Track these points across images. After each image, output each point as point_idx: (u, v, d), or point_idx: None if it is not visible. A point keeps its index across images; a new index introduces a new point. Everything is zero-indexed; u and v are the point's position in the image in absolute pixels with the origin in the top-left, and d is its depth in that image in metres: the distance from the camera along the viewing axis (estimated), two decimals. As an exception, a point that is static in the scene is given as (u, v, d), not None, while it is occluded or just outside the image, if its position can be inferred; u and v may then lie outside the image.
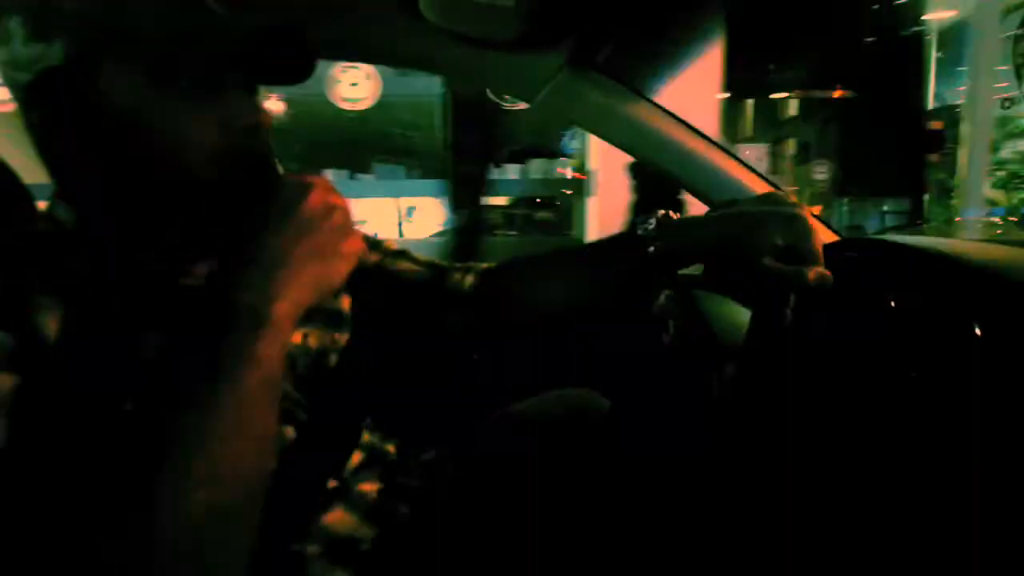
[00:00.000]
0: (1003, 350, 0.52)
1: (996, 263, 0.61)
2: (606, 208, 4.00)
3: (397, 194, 6.82)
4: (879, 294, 0.66)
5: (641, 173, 3.10)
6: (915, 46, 6.76)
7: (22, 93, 0.42)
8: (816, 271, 0.57)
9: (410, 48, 0.96)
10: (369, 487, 0.61)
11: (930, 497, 0.58)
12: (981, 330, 0.53)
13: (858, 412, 0.69)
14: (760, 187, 1.01)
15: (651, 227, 0.62)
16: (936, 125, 6.50)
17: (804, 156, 7.09)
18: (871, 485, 0.68)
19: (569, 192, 5.75)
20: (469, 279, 0.73)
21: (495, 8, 0.83)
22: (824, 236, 0.94)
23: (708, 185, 1.00)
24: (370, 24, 0.92)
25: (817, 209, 5.56)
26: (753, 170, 1.02)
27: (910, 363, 0.61)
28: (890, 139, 6.63)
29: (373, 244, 0.74)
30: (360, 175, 6.90)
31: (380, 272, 0.72)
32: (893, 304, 0.64)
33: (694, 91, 3.09)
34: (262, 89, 0.49)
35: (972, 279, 0.61)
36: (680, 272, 0.80)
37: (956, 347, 0.55)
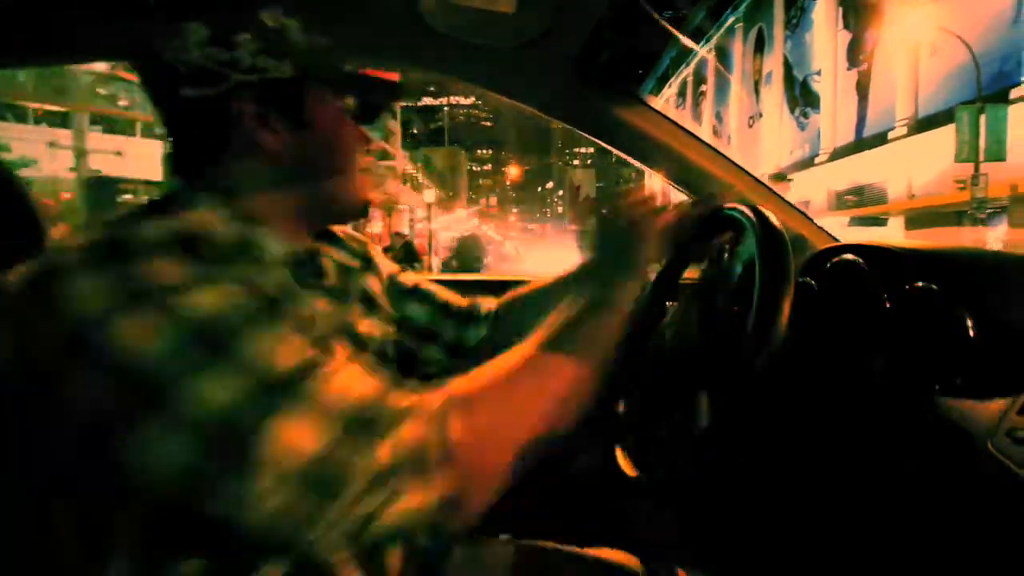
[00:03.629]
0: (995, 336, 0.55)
1: (984, 260, 0.66)
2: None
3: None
4: (873, 293, 0.68)
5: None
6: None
7: (234, 89, 0.49)
8: (703, 200, 0.71)
9: (409, 49, 0.96)
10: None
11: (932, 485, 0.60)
12: (971, 323, 0.56)
13: (855, 406, 0.71)
14: (754, 189, 1.01)
15: None
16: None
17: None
18: (868, 474, 0.69)
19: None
20: (489, 305, 0.77)
21: (496, 14, 0.83)
22: (823, 241, 0.98)
23: (705, 188, 1.00)
24: (370, 25, 0.91)
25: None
26: (747, 173, 1.01)
27: (905, 359, 0.63)
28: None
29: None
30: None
31: (420, 292, 0.75)
32: (888, 304, 0.66)
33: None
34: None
35: (962, 276, 0.64)
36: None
37: (948, 340, 0.58)
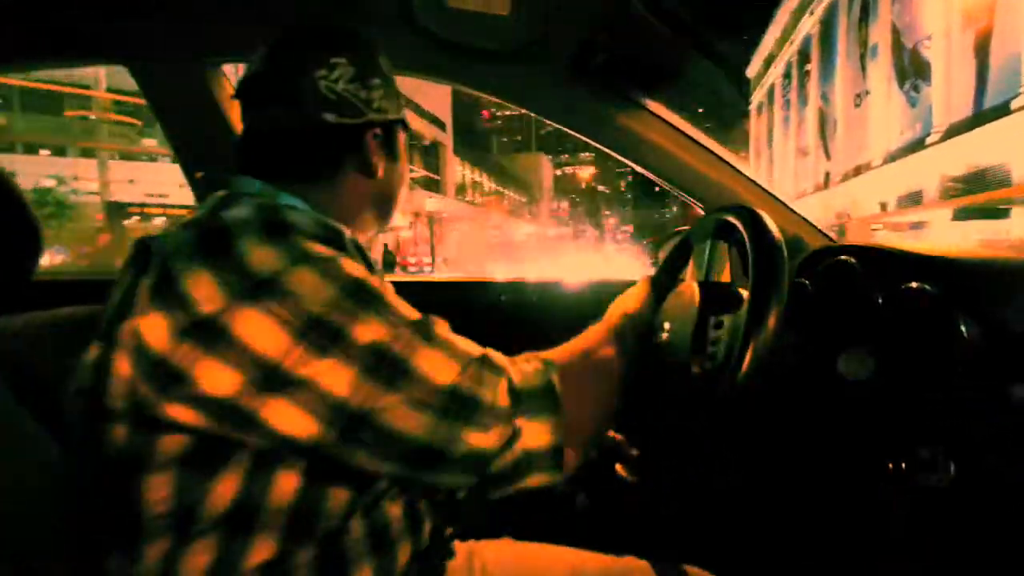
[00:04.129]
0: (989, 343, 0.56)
1: (977, 263, 0.67)
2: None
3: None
4: (867, 294, 0.70)
5: None
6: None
7: (368, 124, 0.60)
8: None
9: (405, 53, 0.98)
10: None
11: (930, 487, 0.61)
12: (964, 323, 0.57)
13: (848, 407, 0.72)
14: (750, 192, 1.02)
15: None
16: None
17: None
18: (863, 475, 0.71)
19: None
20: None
21: (491, 18, 0.85)
22: (819, 241, 1.00)
23: (701, 190, 1.02)
24: (366, 28, 0.98)
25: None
26: (743, 175, 1.02)
27: (898, 360, 0.64)
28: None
29: None
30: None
31: None
32: (881, 302, 0.68)
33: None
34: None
35: (955, 278, 0.65)
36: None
37: (941, 340, 0.59)
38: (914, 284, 0.63)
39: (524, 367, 0.49)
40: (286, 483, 0.46)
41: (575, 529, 0.70)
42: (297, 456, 0.46)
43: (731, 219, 0.61)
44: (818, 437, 0.79)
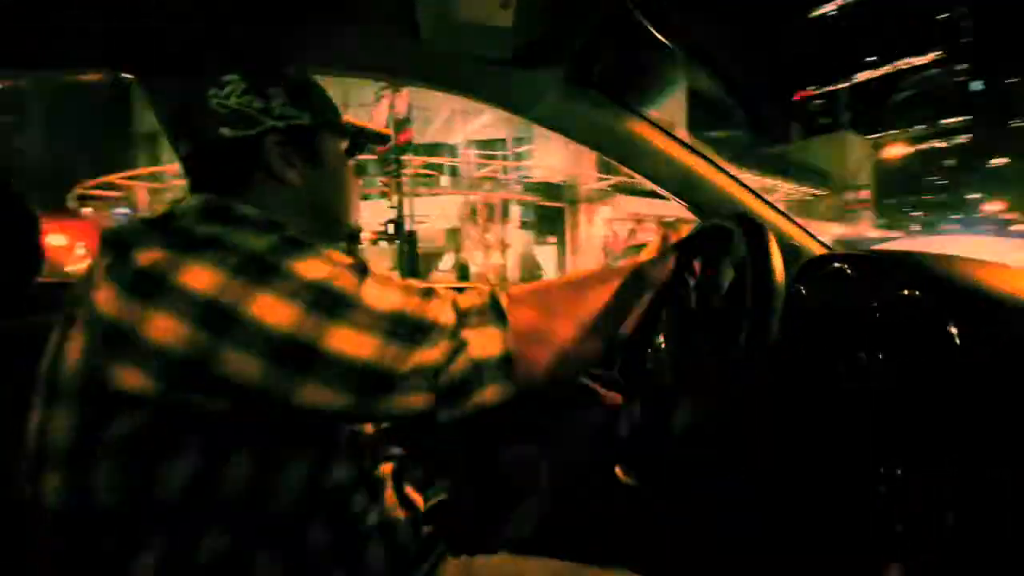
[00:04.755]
0: (978, 351, 0.57)
1: (970, 275, 0.67)
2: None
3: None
4: (863, 302, 0.71)
5: None
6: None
7: (266, 132, 0.61)
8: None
9: (407, 63, 0.99)
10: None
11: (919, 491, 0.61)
12: (956, 331, 0.58)
13: (844, 412, 0.74)
14: (748, 200, 1.05)
15: None
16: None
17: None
18: (857, 483, 0.71)
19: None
20: None
21: (493, 28, 0.86)
22: (815, 248, 1.06)
23: (700, 198, 1.05)
24: (368, 39, 0.94)
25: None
26: (743, 184, 1.05)
27: (892, 363, 0.65)
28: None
29: None
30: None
31: None
32: (877, 312, 0.68)
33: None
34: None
35: (948, 287, 0.66)
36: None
37: (934, 348, 0.60)
38: (906, 292, 0.64)
39: (469, 293, 0.52)
40: (238, 472, 0.48)
41: (575, 543, 0.71)
42: (250, 441, 0.49)
43: (730, 227, 0.62)
44: (813, 444, 0.79)
